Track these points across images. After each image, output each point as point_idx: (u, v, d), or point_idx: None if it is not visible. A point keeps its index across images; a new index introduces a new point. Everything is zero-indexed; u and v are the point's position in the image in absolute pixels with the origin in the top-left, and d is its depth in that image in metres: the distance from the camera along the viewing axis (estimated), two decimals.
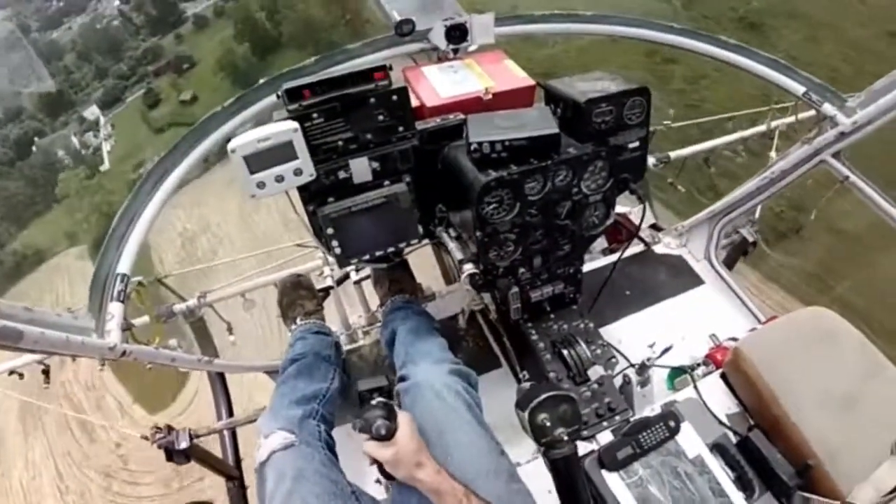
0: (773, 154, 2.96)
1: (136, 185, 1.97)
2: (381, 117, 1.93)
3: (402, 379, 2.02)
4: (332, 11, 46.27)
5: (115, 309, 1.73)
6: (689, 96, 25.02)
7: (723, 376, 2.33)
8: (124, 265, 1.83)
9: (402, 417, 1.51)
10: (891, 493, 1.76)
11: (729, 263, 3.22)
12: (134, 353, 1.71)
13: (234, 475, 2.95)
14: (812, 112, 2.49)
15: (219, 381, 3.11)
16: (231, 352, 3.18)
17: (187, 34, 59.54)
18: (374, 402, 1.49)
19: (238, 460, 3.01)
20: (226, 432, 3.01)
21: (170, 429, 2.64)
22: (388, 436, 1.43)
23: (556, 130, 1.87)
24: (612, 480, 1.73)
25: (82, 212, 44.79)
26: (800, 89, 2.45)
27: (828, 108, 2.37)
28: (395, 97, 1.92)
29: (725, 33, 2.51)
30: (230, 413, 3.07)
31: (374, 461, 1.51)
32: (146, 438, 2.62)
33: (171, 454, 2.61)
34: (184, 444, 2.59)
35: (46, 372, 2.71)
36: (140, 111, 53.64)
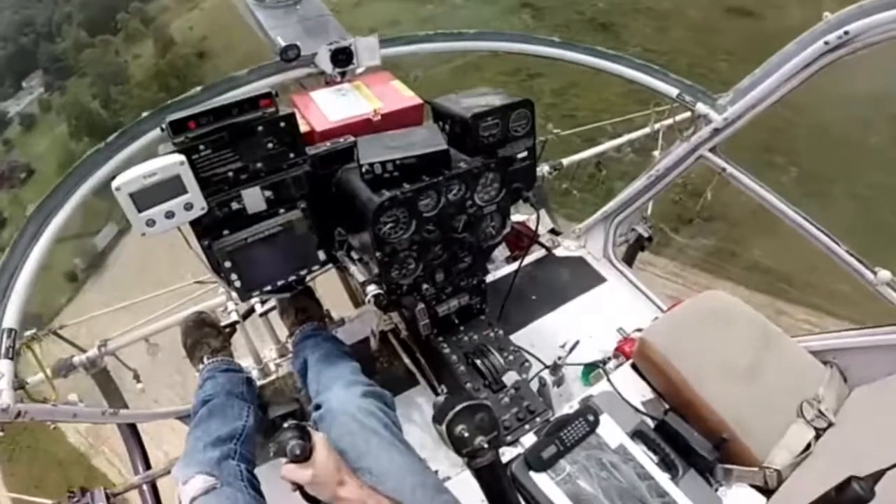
0: (656, 153, 3.11)
1: (17, 233, 1.86)
2: (270, 145, 1.90)
3: (317, 407, 1.99)
4: (171, 87, 42.42)
5: (4, 367, 1.63)
6: (562, 108, 25.20)
7: (633, 366, 2.43)
8: (10, 319, 1.73)
9: (317, 437, 1.46)
10: (803, 452, 1.92)
11: (629, 260, 3.38)
12: (30, 412, 1.64)
13: None
14: (688, 112, 2.65)
15: (130, 433, 2.93)
16: (140, 400, 3.02)
17: (16, 137, 50.49)
18: (285, 425, 1.45)
19: None
20: (145, 486, 2.83)
21: (84, 490, 2.47)
22: (303, 456, 1.38)
23: (445, 146, 1.90)
24: (542, 480, 1.77)
25: None
26: (673, 91, 2.62)
27: (701, 107, 2.54)
28: (282, 124, 1.90)
29: (580, 37, 2.61)
30: (147, 465, 2.90)
31: (296, 486, 1.45)
32: None
33: None
34: None
35: None
36: None
